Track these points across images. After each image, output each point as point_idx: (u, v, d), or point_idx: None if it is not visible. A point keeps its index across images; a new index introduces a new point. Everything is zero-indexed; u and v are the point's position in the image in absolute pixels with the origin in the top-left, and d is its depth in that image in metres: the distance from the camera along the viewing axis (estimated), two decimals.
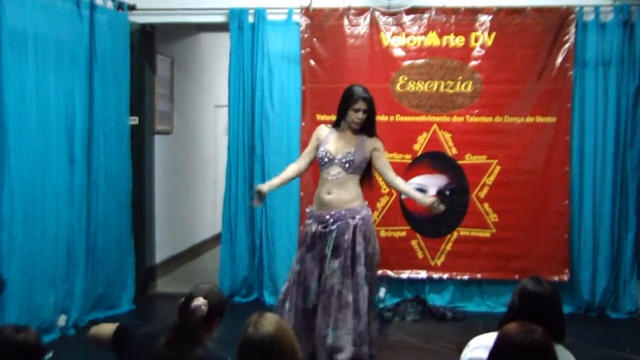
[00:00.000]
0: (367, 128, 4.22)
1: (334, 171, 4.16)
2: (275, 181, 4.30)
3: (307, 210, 4.32)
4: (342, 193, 4.14)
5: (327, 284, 4.05)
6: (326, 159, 4.17)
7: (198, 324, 2.40)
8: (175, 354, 2.32)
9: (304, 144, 5.24)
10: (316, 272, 4.15)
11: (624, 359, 4.53)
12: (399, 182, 4.29)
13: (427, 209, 4.24)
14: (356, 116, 4.14)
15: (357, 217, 4.09)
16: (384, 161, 4.28)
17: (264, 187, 4.21)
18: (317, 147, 4.28)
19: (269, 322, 2.04)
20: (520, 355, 2.00)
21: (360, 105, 4.14)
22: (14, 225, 4.33)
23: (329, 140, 4.23)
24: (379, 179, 5.52)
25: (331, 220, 4.10)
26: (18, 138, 4.37)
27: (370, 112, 4.18)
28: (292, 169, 4.35)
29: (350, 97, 4.16)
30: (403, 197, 5.63)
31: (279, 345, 2.00)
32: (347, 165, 4.13)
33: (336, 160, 4.16)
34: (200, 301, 2.41)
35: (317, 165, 4.26)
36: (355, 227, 4.07)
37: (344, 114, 4.19)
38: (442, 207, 4.11)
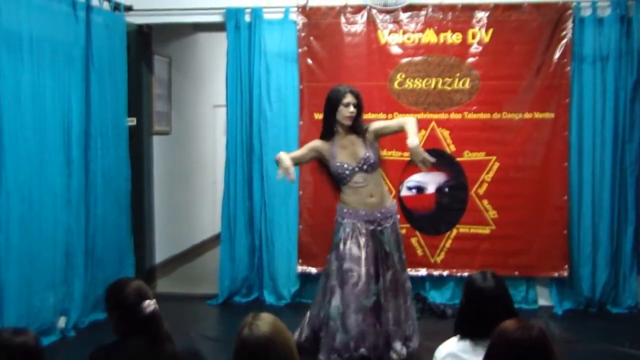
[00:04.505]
0: (358, 127, 4.21)
1: (361, 178, 4.17)
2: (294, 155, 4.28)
3: (345, 210, 4.23)
4: (381, 191, 4.28)
5: (392, 279, 4.21)
6: (347, 172, 4.19)
7: (163, 323, 2.43)
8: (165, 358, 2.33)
9: (302, 143, 5.24)
10: (373, 272, 4.18)
11: (624, 354, 4.52)
12: (406, 120, 4.19)
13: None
14: (347, 110, 4.15)
15: (396, 214, 4.38)
16: (384, 124, 4.35)
17: (287, 160, 4.03)
18: (318, 159, 4.32)
19: (264, 322, 2.01)
20: (518, 352, 1.99)
21: (350, 98, 4.16)
22: (11, 228, 4.32)
23: (337, 152, 4.23)
24: None
25: (381, 217, 4.22)
26: (14, 140, 4.36)
27: (359, 107, 4.19)
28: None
29: (337, 94, 4.18)
30: (402, 194, 5.63)
31: (275, 346, 1.97)
32: (367, 168, 4.15)
33: (357, 169, 4.16)
34: (151, 303, 2.44)
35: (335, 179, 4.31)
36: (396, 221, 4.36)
37: (334, 115, 4.18)
38: (429, 159, 3.99)
